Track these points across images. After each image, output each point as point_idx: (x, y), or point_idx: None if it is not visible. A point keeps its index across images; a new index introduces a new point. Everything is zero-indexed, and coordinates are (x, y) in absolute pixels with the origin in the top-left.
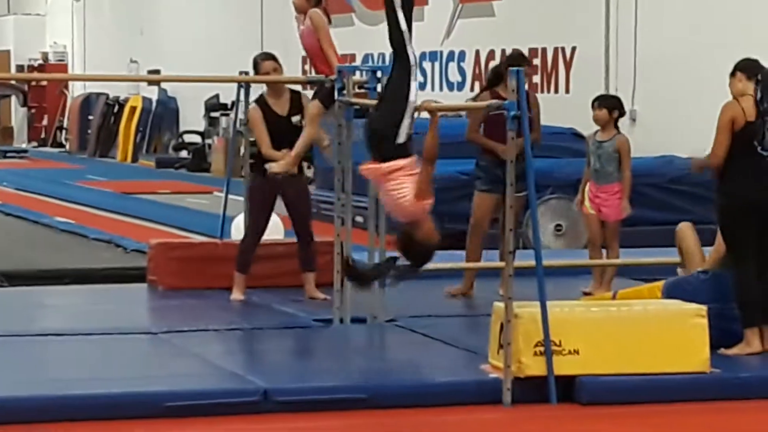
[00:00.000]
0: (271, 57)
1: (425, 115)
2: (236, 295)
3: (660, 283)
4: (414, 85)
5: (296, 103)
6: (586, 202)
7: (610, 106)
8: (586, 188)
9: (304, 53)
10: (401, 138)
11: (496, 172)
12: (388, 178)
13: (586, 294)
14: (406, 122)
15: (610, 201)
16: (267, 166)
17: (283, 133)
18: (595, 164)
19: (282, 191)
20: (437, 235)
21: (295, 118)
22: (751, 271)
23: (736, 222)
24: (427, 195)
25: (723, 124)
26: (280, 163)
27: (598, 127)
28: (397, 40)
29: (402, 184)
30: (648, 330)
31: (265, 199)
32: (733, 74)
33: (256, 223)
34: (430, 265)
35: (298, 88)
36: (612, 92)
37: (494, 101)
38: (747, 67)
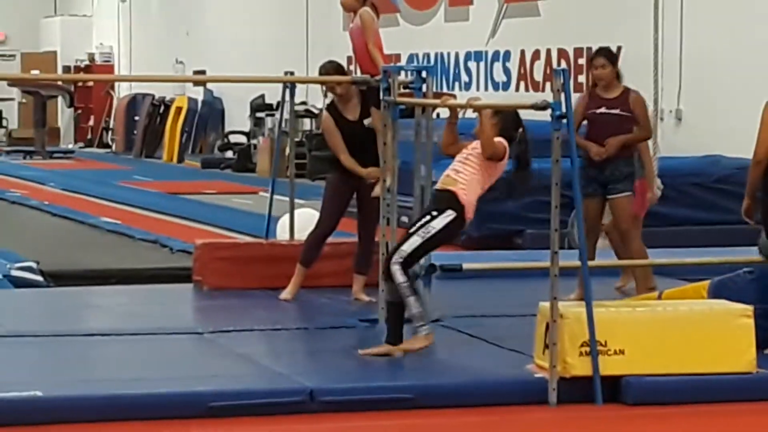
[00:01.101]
0: (336, 67)
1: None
2: (286, 294)
3: (706, 283)
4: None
5: (366, 107)
6: None
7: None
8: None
9: (349, 53)
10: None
11: (589, 173)
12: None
13: (618, 289)
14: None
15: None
16: (374, 193)
17: (357, 137)
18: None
19: (358, 189)
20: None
21: (368, 121)
22: None
23: None
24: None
25: (766, 121)
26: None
27: None
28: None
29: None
30: (694, 330)
31: (341, 197)
32: None
33: (328, 220)
34: (474, 265)
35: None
36: (658, 92)
37: (540, 102)
38: None
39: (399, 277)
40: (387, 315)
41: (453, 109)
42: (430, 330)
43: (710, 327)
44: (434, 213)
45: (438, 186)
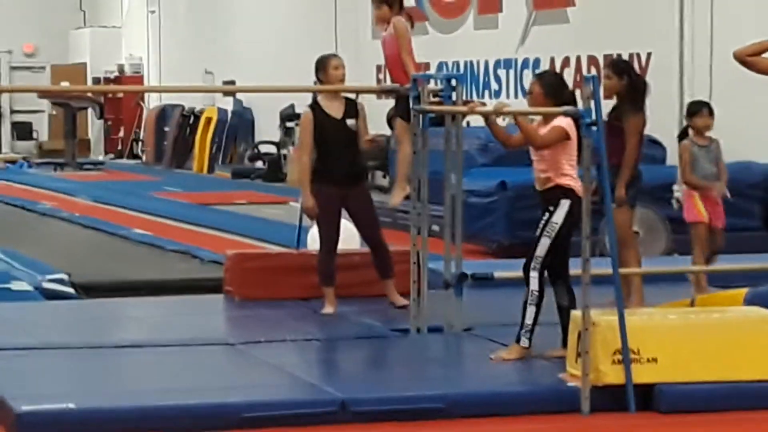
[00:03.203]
0: (336, 55)
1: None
2: (327, 309)
3: (742, 291)
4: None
5: (351, 108)
6: (702, 209)
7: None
8: (695, 195)
9: (378, 62)
10: None
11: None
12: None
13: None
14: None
15: (718, 206)
16: (391, 203)
17: (336, 135)
18: (710, 168)
19: (344, 203)
20: None
21: (350, 121)
22: None
23: None
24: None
25: None
26: (396, 194)
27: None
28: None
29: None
30: (727, 337)
31: (329, 209)
32: None
33: (326, 234)
34: (506, 274)
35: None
36: (687, 98)
37: (567, 108)
38: None
39: (534, 284)
40: (561, 320)
41: (484, 116)
42: (529, 344)
43: (743, 334)
44: (550, 209)
45: (539, 189)
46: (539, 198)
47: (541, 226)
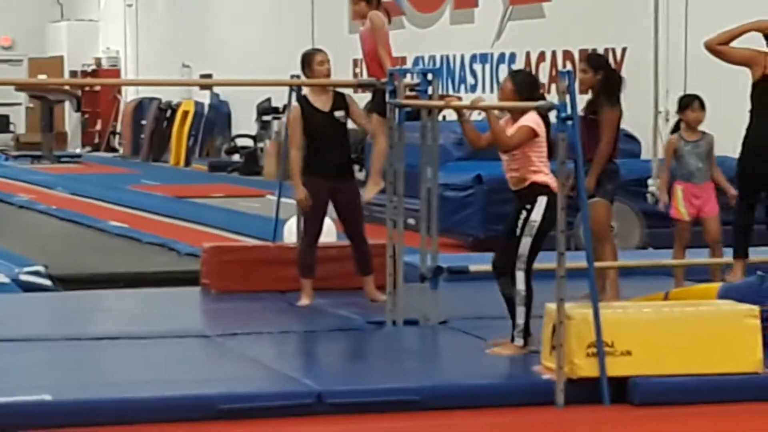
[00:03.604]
0: (321, 50)
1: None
2: (303, 300)
3: (715, 285)
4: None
5: (339, 100)
6: (681, 207)
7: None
8: (678, 192)
9: (355, 56)
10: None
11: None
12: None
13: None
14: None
15: (711, 199)
16: (365, 197)
17: (325, 128)
18: (696, 164)
19: (333, 195)
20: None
21: (339, 113)
22: None
23: None
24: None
25: None
26: (370, 188)
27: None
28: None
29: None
30: (700, 330)
31: (317, 202)
32: None
33: (311, 227)
34: (481, 267)
35: (349, 91)
36: (662, 93)
37: (542, 102)
38: None
39: (520, 284)
40: (508, 309)
41: (458, 110)
42: (523, 344)
43: (717, 327)
44: (527, 207)
45: (513, 188)
46: (515, 197)
47: (519, 225)
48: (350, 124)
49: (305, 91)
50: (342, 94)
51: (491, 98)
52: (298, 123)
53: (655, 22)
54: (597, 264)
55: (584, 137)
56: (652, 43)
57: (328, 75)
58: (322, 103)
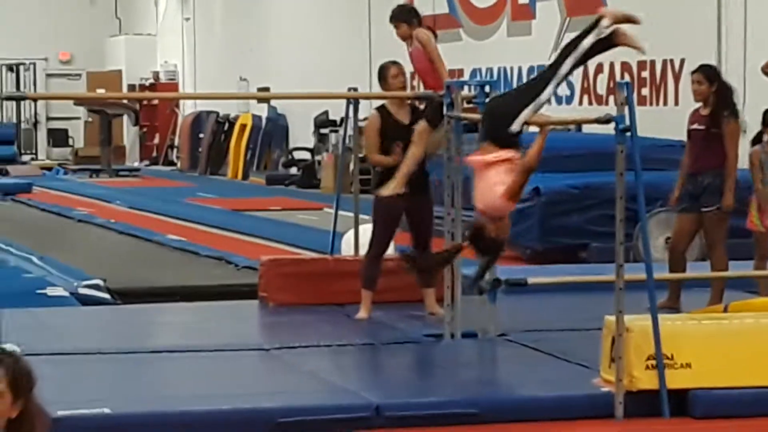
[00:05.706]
0: (396, 63)
1: (533, 129)
2: (361, 314)
3: None
4: (551, 88)
5: (418, 115)
6: (756, 219)
7: None
8: (753, 203)
9: (412, 69)
10: (515, 126)
11: (687, 188)
12: (491, 167)
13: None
14: (525, 113)
15: None
16: (385, 192)
17: (404, 141)
18: None
19: (407, 208)
20: (508, 232)
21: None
22: None
23: None
24: (515, 198)
25: None
26: (389, 187)
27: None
28: (561, 54)
29: (501, 175)
30: (760, 342)
31: (390, 214)
32: None
33: (380, 238)
34: (539, 279)
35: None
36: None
37: (604, 115)
38: None
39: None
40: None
41: (542, 126)
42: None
43: None
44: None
45: None
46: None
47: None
48: None
49: (386, 102)
50: (420, 110)
51: (549, 110)
52: (375, 127)
53: (717, 32)
54: (656, 276)
55: (696, 150)
56: (713, 53)
57: (402, 87)
58: (402, 115)
